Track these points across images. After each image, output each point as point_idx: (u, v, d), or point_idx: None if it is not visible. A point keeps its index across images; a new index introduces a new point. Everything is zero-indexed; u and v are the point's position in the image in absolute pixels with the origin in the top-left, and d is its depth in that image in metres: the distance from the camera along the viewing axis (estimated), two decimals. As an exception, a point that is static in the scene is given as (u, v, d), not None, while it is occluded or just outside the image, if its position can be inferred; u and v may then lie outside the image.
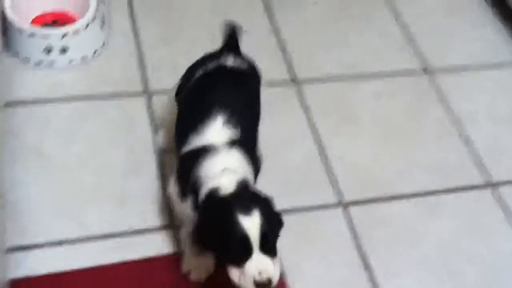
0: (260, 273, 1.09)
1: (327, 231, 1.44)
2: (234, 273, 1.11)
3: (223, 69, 1.34)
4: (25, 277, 1.26)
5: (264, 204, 1.13)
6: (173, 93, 1.41)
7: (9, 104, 1.54)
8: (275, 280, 1.10)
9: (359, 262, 1.40)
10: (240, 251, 1.09)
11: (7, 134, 1.47)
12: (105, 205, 1.41)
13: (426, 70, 1.83)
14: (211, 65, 1.34)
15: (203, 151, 1.20)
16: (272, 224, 1.12)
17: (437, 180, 1.58)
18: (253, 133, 1.32)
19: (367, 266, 1.39)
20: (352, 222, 1.46)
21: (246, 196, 1.14)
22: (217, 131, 1.22)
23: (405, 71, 1.83)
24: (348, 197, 1.51)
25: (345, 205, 1.49)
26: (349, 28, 1.91)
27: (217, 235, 1.10)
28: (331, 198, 1.50)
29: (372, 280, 1.37)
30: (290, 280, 1.34)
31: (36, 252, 1.31)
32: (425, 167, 1.60)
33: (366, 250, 1.42)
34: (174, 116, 1.37)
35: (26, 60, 1.64)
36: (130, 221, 1.39)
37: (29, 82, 1.61)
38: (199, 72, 1.35)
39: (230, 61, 1.35)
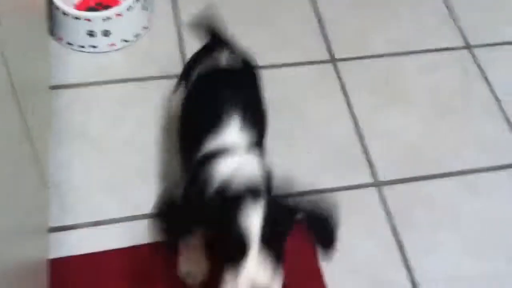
0: (253, 285, 0.97)
1: (363, 211, 1.45)
2: (228, 277, 0.99)
3: (220, 70, 1.29)
4: (64, 256, 1.31)
5: (274, 199, 1.03)
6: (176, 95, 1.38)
7: (54, 87, 1.60)
8: None
9: (393, 242, 1.40)
10: (236, 244, 0.98)
11: (52, 116, 1.53)
12: (149, 185, 1.44)
13: (469, 46, 1.79)
14: (206, 66, 1.29)
15: (220, 153, 1.13)
16: (279, 222, 1.01)
17: (481, 159, 1.56)
18: (262, 137, 1.26)
19: (400, 247, 1.39)
20: (386, 202, 1.46)
21: (256, 189, 1.04)
22: (234, 134, 1.17)
23: (449, 47, 1.79)
24: (385, 177, 1.51)
25: (380, 184, 1.49)
26: (393, 4, 1.89)
27: (218, 225, 1.00)
28: (367, 177, 1.50)
29: (405, 260, 1.37)
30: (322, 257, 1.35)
31: (78, 231, 1.36)
32: (467, 146, 1.58)
33: (401, 231, 1.42)
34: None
35: (70, 43, 1.69)
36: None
37: (74, 65, 1.66)
38: (196, 74, 1.30)
39: (224, 59, 1.29)
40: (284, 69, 1.71)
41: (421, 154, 1.56)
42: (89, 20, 1.65)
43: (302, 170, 1.50)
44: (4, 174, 1.00)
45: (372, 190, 1.48)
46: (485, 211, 1.47)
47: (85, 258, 1.30)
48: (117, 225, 1.38)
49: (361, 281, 1.34)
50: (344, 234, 1.38)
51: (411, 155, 1.56)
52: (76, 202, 1.41)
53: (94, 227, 1.37)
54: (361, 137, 1.58)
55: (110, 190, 1.43)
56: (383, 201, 1.47)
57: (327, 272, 1.33)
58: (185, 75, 1.36)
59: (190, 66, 1.35)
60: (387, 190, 1.48)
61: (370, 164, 1.53)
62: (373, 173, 1.51)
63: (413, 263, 1.37)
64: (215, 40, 1.34)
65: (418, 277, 1.35)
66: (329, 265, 1.34)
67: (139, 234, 1.36)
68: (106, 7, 1.74)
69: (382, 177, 1.51)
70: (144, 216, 1.39)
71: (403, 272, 1.36)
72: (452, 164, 1.55)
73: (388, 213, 1.45)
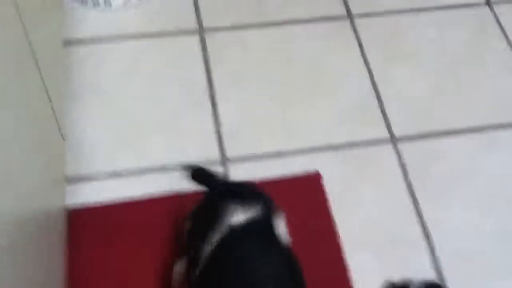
0: None
1: (379, 165, 1.45)
2: None
3: (237, 232, 1.02)
4: (82, 205, 1.33)
5: None
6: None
7: (68, 43, 1.60)
8: None
9: (407, 197, 1.40)
10: None
11: (67, 71, 1.53)
12: (162, 138, 1.45)
13: (488, 2, 1.76)
14: (221, 231, 1.02)
15: None
16: None
17: (496, 115, 1.55)
18: None
19: (414, 200, 1.40)
20: (402, 156, 1.46)
21: None
22: None
23: (465, 3, 1.77)
24: (401, 132, 1.50)
25: (396, 140, 1.49)
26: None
27: None
28: (383, 133, 1.50)
29: (419, 215, 1.38)
30: (337, 212, 1.36)
31: (94, 182, 1.37)
32: (484, 102, 1.57)
33: (416, 186, 1.42)
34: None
35: (84, 1, 1.68)
36: (186, 154, 1.43)
37: (87, 22, 1.66)
38: (209, 245, 1.03)
39: (238, 215, 1.03)
40: (299, 26, 1.69)
41: (437, 110, 1.55)
42: (103, -24, 1.64)
43: (318, 125, 1.50)
44: (24, 126, 1.01)
45: (388, 146, 1.48)
46: (500, 168, 1.46)
47: (102, 209, 1.32)
48: (133, 177, 1.39)
49: (376, 234, 1.34)
50: (359, 188, 1.40)
51: (427, 111, 1.54)
52: (92, 155, 1.42)
53: (110, 179, 1.38)
54: (377, 93, 1.57)
55: (125, 143, 1.44)
56: (399, 156, 1.46)
57: (341, 226, 1.34)
58: (192, 244, 1.08)
59: (196, 232, 1.08)
60: (402, 146, 1.48)
61: (386, 120, 1.52)
62: (389, 129, 1.51)
63: (426, 217, 1.37)
64: (215, 191, 1.12)
65: (431, 231, 1.36)
66: (344, 219, 1.35)
67: (155, 186, 1.37)
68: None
69: (398, 132, 1.50)
70: (159, 168, 1.40)
71: (417, 226, 1.36)
72: (468, 120, 1.53)
73: (403, 168, 1.45)
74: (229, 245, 1.01)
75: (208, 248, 1.02)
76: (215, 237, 1.02)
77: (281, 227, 1.07)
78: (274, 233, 1.05)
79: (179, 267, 1.16)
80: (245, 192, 1.08)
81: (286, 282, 0.99)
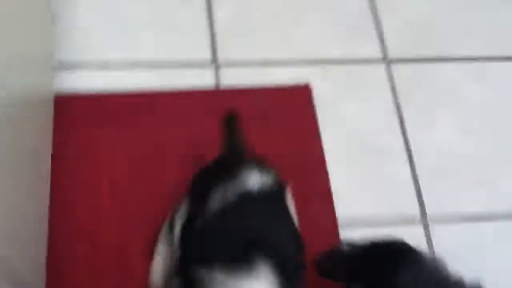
0: None
1: (370, 84, 1.45)
2: None
3: (250, 198, 0.99)
4: (70, 92, 1.31)
5: None
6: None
7: None
8: None
9: (394, 115, 1.42)
10: None
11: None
12: (154, 35, 1.43)
13: None
14: (231, 191, 0.99)
15: None
16: None
17: (488, 48, 1.55)
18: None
19: (401, 119, 1.42)
20: (393, 77, 1.47)
21: None
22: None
23: None
24: (394, 53, 1.50)
25: (389, 61, 1.49)
26: None
27: None
28: (377, 53, 1.49)
29: (403, 132, 1.40)
30: (324, 125, 1.37)
31: (83, 71, 1.36)
32: (478, 33, 1.57)
33: (403, 105, 1.43)
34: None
35: None
36: (176, 53, 1.42)
37: None
38: (215, 201, 1.00)
39: (254, 180, 1.00)
40: None
41: (432, 36, 1.54)
42: None
43: (313, 38, 1.49)
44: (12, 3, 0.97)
45: (381, 66, 1.48)
46: (483, 97, 1.48)
47: (90, 98, 1.31)
48: (121, 70, 1.37)
49: (360, 148, 1.37)
50: (349, 104, 1.41)
51: (422, 36, 1.54)
52: (81, 44, 1.39)
53: (99, 70, 1.37)
54: (375, 13, 1.55)
55: (116, 37, 1.42)
56: (390, 77, 1.47)
57: (327, 139, 1.36)
58: (197, 199, 1.04)
59: (206, 186, 1.02)
60: (395, 67, 1.48)
61: (381, 40, 1.51)
62: (383, 49, 1.50)
63: (409, 136, 1.40)
64: (234, 153, 1.11)
65: (412, 149, 1.39)
66: (330, 132, 1.36)
67: (142, 81, 1.36)
68: None
69: (391, 54, 1.50)
70: (148, 64, 1.39)
71: (400, 142, 1.39)
72: (460, 49, 1.53)
73: (393, 88, 1.45)
74: (241, 206, 0.98)
75: (217, 204, 0.98)
76: (227, 195, 0.99)
77: (290, 201, 1.07)
78: (285, 204, 1.04)
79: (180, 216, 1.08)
80: (260, 160, 1.06)
81: (291, 249, 0.97)
